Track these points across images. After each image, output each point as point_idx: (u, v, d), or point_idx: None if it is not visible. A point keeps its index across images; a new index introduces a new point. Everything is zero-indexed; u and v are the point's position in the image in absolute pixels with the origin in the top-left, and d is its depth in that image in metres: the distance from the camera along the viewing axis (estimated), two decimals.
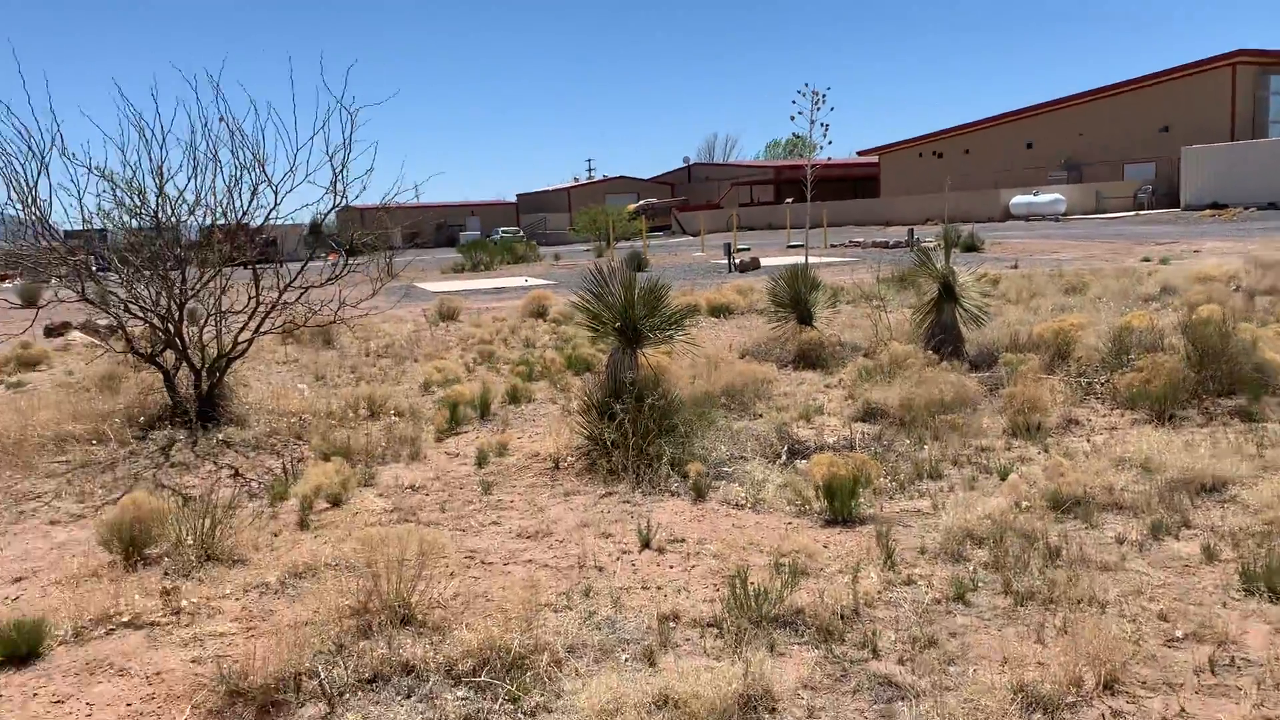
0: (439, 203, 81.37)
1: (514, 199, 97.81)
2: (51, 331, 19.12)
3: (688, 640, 4.34)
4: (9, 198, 8.74)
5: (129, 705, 4.00)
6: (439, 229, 75.44)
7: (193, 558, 5.49)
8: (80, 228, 10.03)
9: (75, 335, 17.72)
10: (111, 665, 4.35)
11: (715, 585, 4.95)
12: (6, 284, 32.56)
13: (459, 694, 3.87)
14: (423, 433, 8.69)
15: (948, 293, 10.81)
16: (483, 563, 5.44)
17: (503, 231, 68.34)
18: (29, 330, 10.97)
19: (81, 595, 5.05)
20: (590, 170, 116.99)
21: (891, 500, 6.29)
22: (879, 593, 4.74)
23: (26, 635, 4.50)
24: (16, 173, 8.58)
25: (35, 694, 4.14)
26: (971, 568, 5.01)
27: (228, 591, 5.12)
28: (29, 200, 8.76)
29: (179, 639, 4.58)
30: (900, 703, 3.75)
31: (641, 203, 67.64)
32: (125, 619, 4.80)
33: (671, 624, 4.47)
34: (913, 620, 4.44)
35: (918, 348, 10.50)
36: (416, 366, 12.75)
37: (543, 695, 3.84)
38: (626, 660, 4.15)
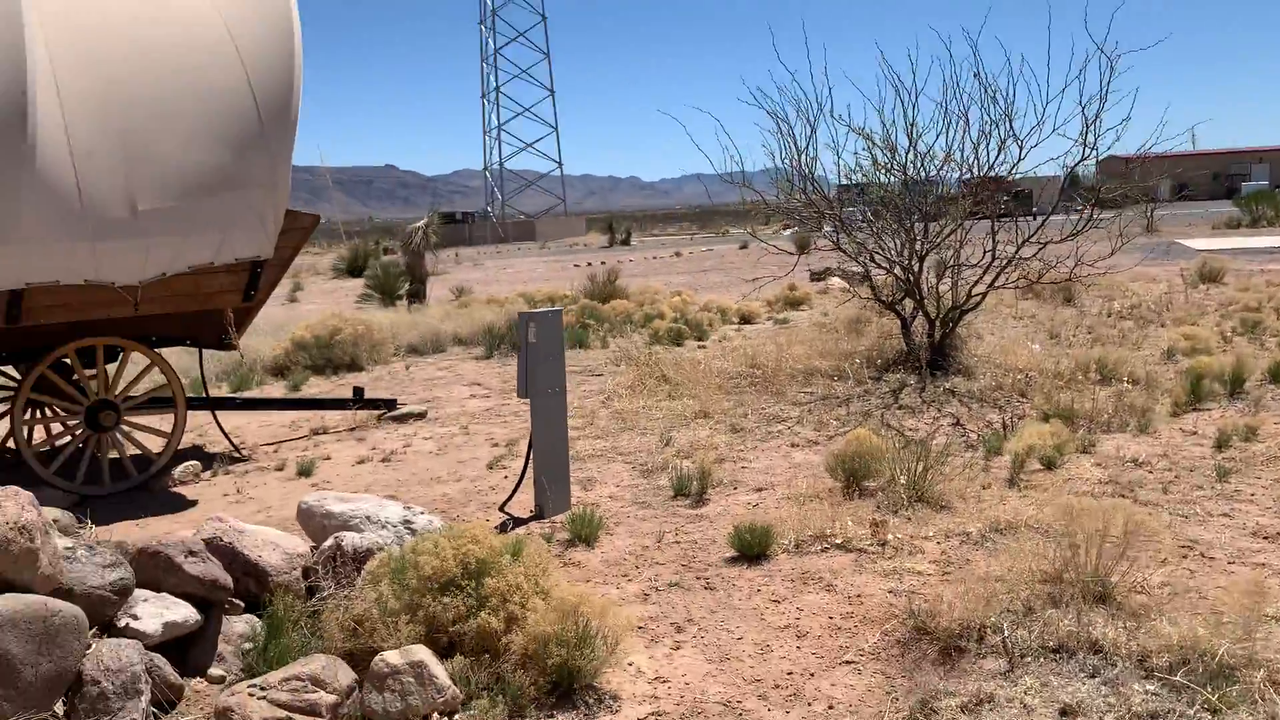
0: (1215, 149, 72.53)
1: None
2: (816, 276, 21.46)
3: None
4: (782, 158, 10.00)
5: (830, 618, 4.44)
6: (1215, 179, 67.43)
7: (903, 496, 5.82)
8: (840, 183, 11.06)
9: (834, 280, 19.65)
10: (820, 580, 4.86)
11: None
12: (785, 232, 37.24)
13: (1148, 688, 3.56)
14: (1156, 404, 8.00)
15: None
16: (1202, 555, 4.88)
17: None
18: (790, 274, 12.41)
19: (805, 512, 5.70)
20: None
21: None
22: None
23: (759, 538, 5.23)
24: (791, 136, 9.78)
25: (759, 589, 4.81)
26: None
27: (930, 534, 5.35)
28: (799, 159, 9.93)
29: (880, 569, 4.93)
30: None
31: None
32: (838, 541, 5.29)
33: None
34: None
35: None
36: (1162, 331, 11.73)
37: (1251, 715, 3.35)
38: None
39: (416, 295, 19.35)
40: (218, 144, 6.88)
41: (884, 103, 10.09)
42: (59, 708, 3.01)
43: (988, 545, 5.14)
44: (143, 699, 3.12)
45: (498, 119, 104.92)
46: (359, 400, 9.19)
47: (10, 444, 7.24)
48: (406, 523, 4.97)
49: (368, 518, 4.93)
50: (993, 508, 5.66)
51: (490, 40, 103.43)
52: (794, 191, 10.25)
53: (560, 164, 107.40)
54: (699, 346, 12.95)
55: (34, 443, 7.40)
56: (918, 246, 9.74)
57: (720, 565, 5.15)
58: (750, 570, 5.05)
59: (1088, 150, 9.27)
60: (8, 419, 7.15)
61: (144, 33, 6.83)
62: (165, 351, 7.65)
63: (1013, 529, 5.29)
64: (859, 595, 4.64)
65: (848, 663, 4.02)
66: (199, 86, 6.90)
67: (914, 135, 9.65)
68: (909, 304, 10.05)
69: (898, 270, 9.94)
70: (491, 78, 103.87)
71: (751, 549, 5.20)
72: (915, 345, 9.75)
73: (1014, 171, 9.62)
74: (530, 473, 6.20)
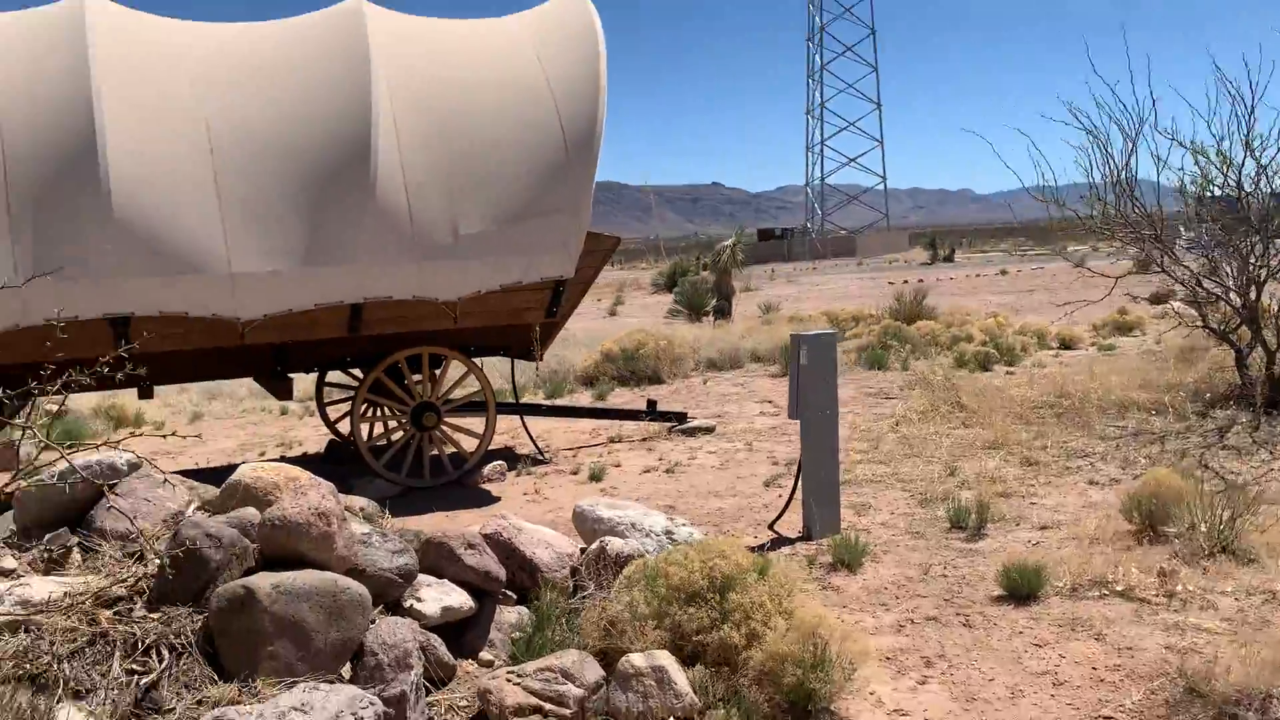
0: None
1: None
2: (1157, 299, 19.67)
3: None
4: (1098, 174, 9.37)
5: (1093, 669, 4.17)
6: None
7: (1203, 545, 5.31)
8: (1165, 200, 10.16)
9: (1175, 305, 17.93)
10: (1091, 628, 4.56)
11: None
12: (1129, 250, 34.25)
13: None
14: None
15: None
16: None
17: None
18: (1107, 296, 11.46)
19: (1087, 555, 5.35)
20: None
21: None
22: None
23: (1029, 579, 4.98)
24: (1108, 151, 9.15)
25: (1021, 632, 4.60)
26: None
27: (1228, 589, 4.85)
28: (1119, 176, 9.25)
29: (1161, 622, 4.55)
30: None
31: None
32: (1119, 588, 4.93)
33: None
34: None
35: None
36: None
37: None
38: None
39: (722, 311, 19.86)
40: (529, 175, 7.54)
41: (1214, 113, 9.07)
42: (345, 671, 3.49)
43: None
44: (413, 673, 3.54)
45: (820, 134, 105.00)
46: (652, 412, 9.64)
47: (350, 437, 8.29)
48: (668, 532, 5.22)
49: (633, 525, 5.23)
50: None
51: (817, 56, 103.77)
52: (1108, 209, 9.55)
53: (884, 178, 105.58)
54: (1007, 373, 12.35)
55: (369, 438, 8.43)
56: (1254, 270, 8.76)
57: (984, 603, 4.96)
58: (1016, 611, 4.83)
59: None
60: (349, 416, 8.20)
61: (469, 74, 7.62)
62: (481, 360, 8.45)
63: None
64: (1130, 648, 4.32)
65: (1104, 718, 3.78)
66: (515, 122, 7.59)
67: (1254, 147, 8.71)
68: (1246, 333, 9.07)
69: (1232, 296, 9.00)
70: (817, 94, 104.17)
71: (1020, 589, 4.96)
72: (1251, 380, 8.78)
73: None
74: (800, 494, 6.27)
